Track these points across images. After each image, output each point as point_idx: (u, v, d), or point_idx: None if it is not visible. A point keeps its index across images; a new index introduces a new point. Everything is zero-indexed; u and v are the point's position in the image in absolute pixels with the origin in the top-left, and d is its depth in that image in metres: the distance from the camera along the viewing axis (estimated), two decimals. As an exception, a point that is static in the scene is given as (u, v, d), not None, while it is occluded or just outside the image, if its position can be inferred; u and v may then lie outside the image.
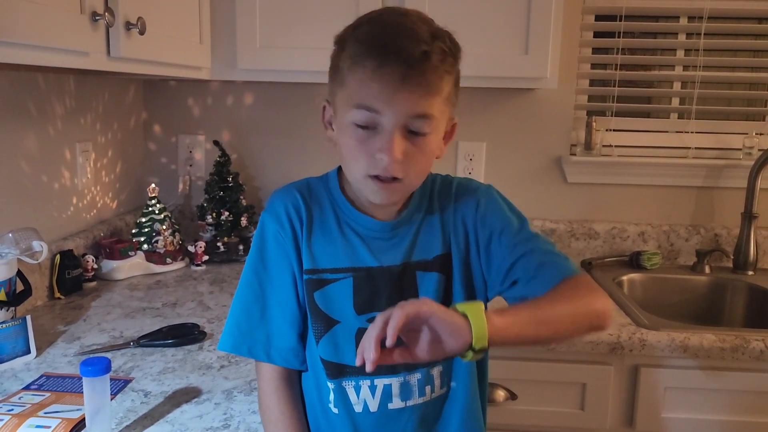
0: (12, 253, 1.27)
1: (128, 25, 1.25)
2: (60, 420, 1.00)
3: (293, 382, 1.02)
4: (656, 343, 1.47)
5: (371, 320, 0.94)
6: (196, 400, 1.11)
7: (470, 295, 1.00)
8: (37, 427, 0.98)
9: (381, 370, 0.93)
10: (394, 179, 0.91)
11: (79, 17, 1.11)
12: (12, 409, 1.04)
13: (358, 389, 0.97)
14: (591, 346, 1.48)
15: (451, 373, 1.02)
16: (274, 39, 1.78)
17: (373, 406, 0.98)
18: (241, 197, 2.08)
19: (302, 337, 1.01)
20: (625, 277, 1.99)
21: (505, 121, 2.15)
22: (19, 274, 1.30)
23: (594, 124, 2.08)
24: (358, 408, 0.98)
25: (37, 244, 1.31)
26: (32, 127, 1.59)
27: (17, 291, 1.28)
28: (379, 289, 0.98)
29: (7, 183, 1.51)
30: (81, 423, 1.00)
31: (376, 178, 0.91)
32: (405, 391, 0.98)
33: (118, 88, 2.04)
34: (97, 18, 1.14)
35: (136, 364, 1.25)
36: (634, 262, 2.06)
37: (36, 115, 1.61)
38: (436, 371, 0.99)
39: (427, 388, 0.99)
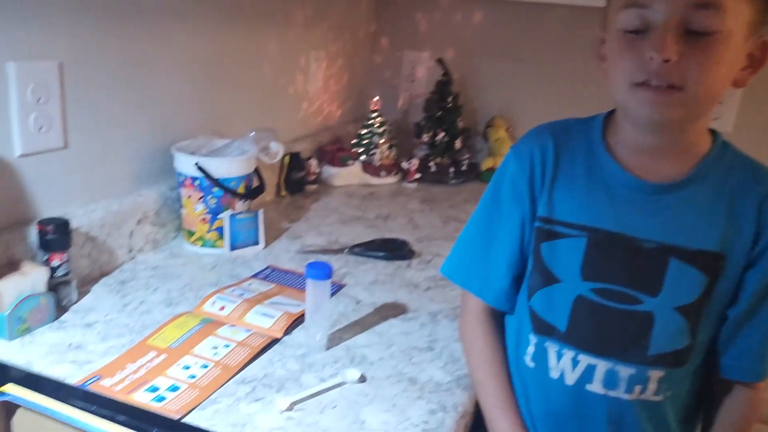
0: (252, 151, 1.37)
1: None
2: (282, 312, 1.08)
3: (497, 320, 0.99)
4: None
5: (596, 290, 0.86)
6: (402, 316, 1.14)
7: (722, 314, 0.87)
8: (263, 315, 1.07)
9: (590, 346, 0.87)
10: (670, 87, 0.76)
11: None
12: (243, 294, 1.14)
13: (559, 356, 0.90)
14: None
15: (673, 383, 0.88)
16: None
17: (570, 379, 0.90)
18: (459, 119, 2.05)
19: (517, 281, 0.96)
20: None
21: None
22: (256, 170, 1.40)
23: None
24: (554, 374, 0.90)
25: (274, 145, 1.40)
26: (276, 33, 1.68)
27: (253, 186, 1.39)
28: (616, 259, 0.85)
29: (252, 85, 1.62)
30: (300, 318, 1.07)
31: (645, 85, 0.78)
32: (610, 379, 0.87)
33: (353, -2, 2.08)
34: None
35: (349, 271, 1.31)
36: None
37: (281, 21, 1.69)
38: (655, 374, 0.86)
39: (637, 388, 0.86)
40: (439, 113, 2.03)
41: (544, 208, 0.90)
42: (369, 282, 1.27)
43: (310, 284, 0.98)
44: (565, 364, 0.89)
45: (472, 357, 0.97)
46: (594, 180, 0.88)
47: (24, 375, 0.87)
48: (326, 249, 1.41)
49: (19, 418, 0.73)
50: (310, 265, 0.98)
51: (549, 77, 2.07)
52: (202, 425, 0.80)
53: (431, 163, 2.02)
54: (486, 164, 2.07)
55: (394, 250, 1.41)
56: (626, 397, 0.86)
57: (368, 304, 1.17)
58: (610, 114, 0.91)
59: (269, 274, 1.26)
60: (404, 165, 1.98)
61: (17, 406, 0.73)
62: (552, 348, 0.90)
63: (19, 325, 0.97)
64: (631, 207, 0.86)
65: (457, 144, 2.04)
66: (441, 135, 2.02)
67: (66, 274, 1.06)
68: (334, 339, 1.03)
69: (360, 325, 1.09)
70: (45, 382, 0.86)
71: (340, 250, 1.40)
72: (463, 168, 2.05)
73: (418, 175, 1.98)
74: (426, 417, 0.86)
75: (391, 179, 1.98)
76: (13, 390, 0.74)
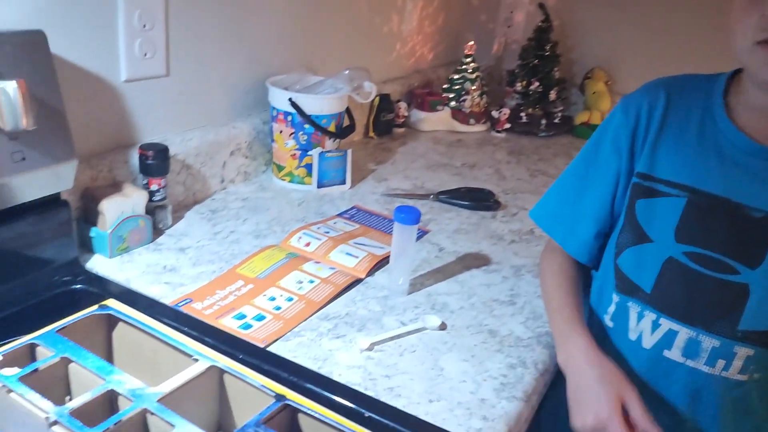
0: (345, 90, 1.36)
1: None
2: (366, 253, 1.09)
3: (578, 271, 0.96)
4: None
5: (689, 254, 0.82)
6: (485, 267, 1.12)
7: None
8: (347, 254, 1.08)
9: (674, 311, 0.83)
10: None
11: None
12: (328, 232, 1.15)
13: (640, 317, 0.87)
14: None
15: (762, 365, 0.83)
16: None
17: (647, 342, 0.87)
18: (555, 69, 1.97)
19: (603, 236, 0.93)
20: None
21: None
22: (347, 110, 1.40)
23: None
24: (632, 335, 0.88)
25: (367, 85, 1.39)
26: (375, -32, 1.64)
27: (344, 125, 1.39)
28: (716, 225, 0.81)
29: (347, 23, 1.60)
30: (383, 261, 1.07)
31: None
32: (690, 348, 0.83)
33: (455, -65, 2.00)
34: None
35: (433, 218, 1.30)
36: None
37: (381, -44, 1.65)
38: (743, 352, 0.81)
39: (720, 362, 0.82)
40: (535, 61, 1.95)
41: (644, 164, 0.86)
42: (452, 230, 1.25)
43: (397, 228, 0.98)
44: (644, 327, 0.87)
45: (549, 300, 0.94)
46: (705, 140, 0.84)
47: (124, 291, 0.92)
48: (411, 194, 1.40)
49: (118, 332, 0.77)
50: (399, 209, 0.97)
51: (657, 30, 1.94)
52: (286, 356, 0.83)
53: (522, 114, 1.95)
54: (580, 118, 1.98)
55: (480, 200, 1.38)
56: (706, 369, 0.83)
57: (451, 253, 1.16)
58: (736, 73, 0.85)
59: (354, 214, 1.27)
60: (494, 114, 1.93)
61: (118, 320, 0.77)
62: (633, 308, 0.87)
63: (120, 244, 1.02)
64: (743, 172, 0.81)
65: (552, 95, 1.96)
66: (535, 85, 1.95)
67: (163, 199, 1.10)
68: (416, 284, 1.03)
69: (442, 272, 1.09)
70: (142, 300, 0.91)
71: (425, 196, 1.39)
72: (556, 120, 1.97)
73: (507, 125, 1.93)
74: (505, 371, 0.85)
75: (479, 127, 1.93)
76: (114, 304, 0.78)
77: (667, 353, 0.85)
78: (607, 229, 0.93)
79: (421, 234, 1.21)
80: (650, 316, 0.86)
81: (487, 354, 0.88)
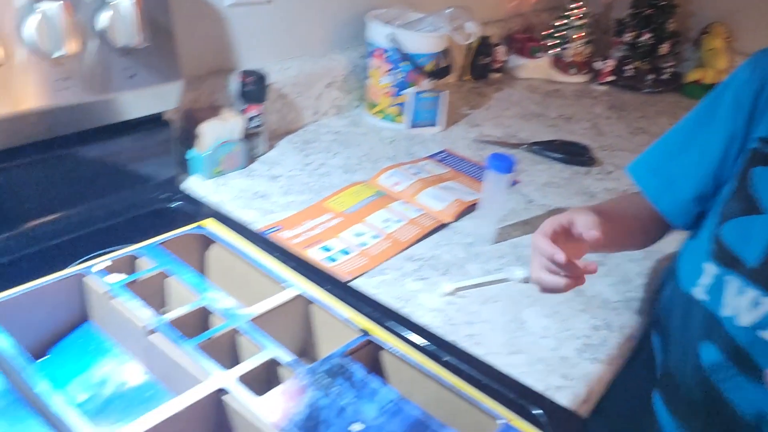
0: (445, 29, 1.32)
1: None
2: (455, 198, 1.07)
3: (660, 227, 0.91)
4: None
5: None
6: (575, 224, 1.09)
7: None
8: (435, 197, 1.07)
9: None
10: None
11: None
12: (418, 173, 1.14)
13: (740, 292, 0.81)
14: None
15: None
16: None
17: (745, 320, 0.80)
18: (670, 21, 1.84)
19: (702, 201, 0.87)
20: None
21: None
22: (446, 50, 1.36)
23: None
24: (726, 311, 0.82)
25: (470, 25, 1.34)
26: None
27: (441, 66, 1.35)
28: None
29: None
30: (471, 207, 1.06)
31: None
32: None
33: None
34: None
35: (524, 168, 1.26)
36: None
37: None
38: None
39: None
40: (649, 11, 1.83)
41: (767, 128, 0.79)
42: (543, 183, 1.22)
43: (489, 175, 0.96)
44: (742, 303, 0.81)
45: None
46: None
47: (217, 213, 0.95)
48: (503, 141, 1.36)
49: (212, 252, 0.80)
50: (494, 156, 0.95)
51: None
52: (369, 292, 0.84)
53: (628, 67, 1.84)
54: (692, 76, 1.85)
55: (574, 154, 1.33)
56: None
57: (540, 206, 1.13)
58: None
59: (445, 157, 1.25)
60: (597, 65, 1.83)
61: (212, 241, 0.79)
62: (733, 283, 0.82)
63: (215, 167, 1.05)
64: None
65: (663, 49, 1.84)
66: (646, 36, 1.83)
67: (259, 126, 1.12)
68: (503, 234, 1.02)
69: (530, 225, 1.06)
70: (234, 224, 0.93)
71: (517, 145, 1.35)
72: (664, 77, 1.85)
73: (610, 78, 1.83)
74: (588, 332, 0.83)
75: (579, 78, 1.84)
76: (209, 225, 0.80)
77: (762, 333, 0.80)
78: (709, 193, 0.87)
79: (511, 184, 1.18)
80: (751, 293, 0.80)
81: (572, 312, 0.86)
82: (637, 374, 0.78)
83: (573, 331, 0.82)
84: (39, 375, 0.55)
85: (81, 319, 0.71)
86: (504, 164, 0.94)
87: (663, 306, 0.93)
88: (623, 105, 1.73)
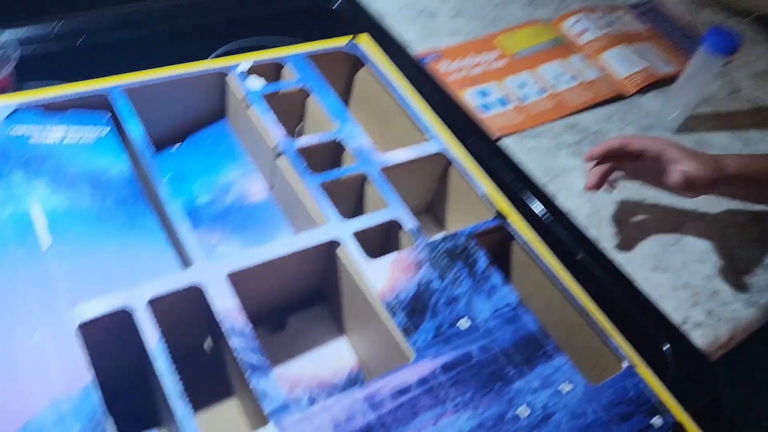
0: None
1: None
2: (646, 65, 0.91)
3: None
4: None
5: None
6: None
7: None
8: (623, 60, 0.91)
9: None
10: None
11: None
12: (611, 25, 0.97)
13: None
14: None
15: None
16: None
17: None
18: None
19: None
20: None
21: None
22: None
23: None
24: None
25: None
26: None
27: None
28: None
29: None
30: (661, 82, 0.90)
31: None
32: None
33: None
34: None
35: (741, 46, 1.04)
36: None
37: None
38: None
39: None
40: None
41: None
42: (760, 70, 1.00)
43: (702, 53, 0.78)
44: None
45: None
46: None
47: (376, 26, 0.86)
48: (726, 4, 1.12)
49: (360, 77, 0.73)
50: (714, 31, 0.77)
51: None
52: (514, 156, 0.75)
53: None
54: None
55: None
56: None
57: (748, 99, 0.94)
58: None
59: (648, 10, 1.05)
60: None
61: (362, 65, 0.72)
62: None
63: (386, -32, 0.93)
64: None
65: None
66: None
67: (444, -71, 0.97)
68: (688, 124, 0.86)
69: (728, 120, 0.89)
70: (391, 42, 0.85)
71: (739, 13, 1.10)
72: None
73: None
74: (757, 268, 0.71)
75: None
76: (364, 43, 0.72)
77: None
78: None
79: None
80: None
81: (743, 240, 0.74)
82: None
83: (738, 264, 0.71)
84: (163, 170, 0.54)
85: (219, 115, 0.69)
86: (725, 43, 0.76)
87: None
88: None
